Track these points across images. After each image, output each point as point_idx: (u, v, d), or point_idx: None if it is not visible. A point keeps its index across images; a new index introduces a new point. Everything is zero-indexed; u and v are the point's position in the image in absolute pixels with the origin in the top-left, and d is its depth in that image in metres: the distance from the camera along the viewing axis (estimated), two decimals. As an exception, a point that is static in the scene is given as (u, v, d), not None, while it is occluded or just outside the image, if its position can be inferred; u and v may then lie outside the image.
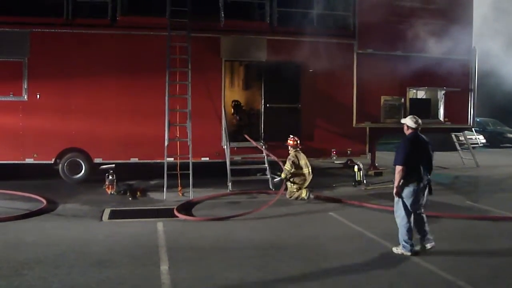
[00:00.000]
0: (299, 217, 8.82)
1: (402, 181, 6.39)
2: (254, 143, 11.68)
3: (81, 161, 11.58)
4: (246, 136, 11.88)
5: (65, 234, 7.37)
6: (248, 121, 13.52)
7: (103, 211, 8.86)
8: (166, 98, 10.92)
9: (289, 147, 10.38)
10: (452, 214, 8.84)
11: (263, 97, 12.37)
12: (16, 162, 11.40)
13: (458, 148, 16.51)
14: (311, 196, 10.00)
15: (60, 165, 11.52)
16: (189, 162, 10.39)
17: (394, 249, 6.60)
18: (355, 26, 12.82)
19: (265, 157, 11.56)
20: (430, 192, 6.65)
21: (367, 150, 13.20)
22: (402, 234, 6.50)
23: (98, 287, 5.32)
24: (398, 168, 6.38)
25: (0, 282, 5.37)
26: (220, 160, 11.85)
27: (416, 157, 6.45)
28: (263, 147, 11.85)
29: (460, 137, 17.05)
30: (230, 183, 11.00)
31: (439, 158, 16.96)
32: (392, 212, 6.79)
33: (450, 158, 16.85)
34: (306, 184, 10.14)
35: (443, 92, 13.91)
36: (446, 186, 12.25)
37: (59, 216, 8.60)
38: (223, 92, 12.16)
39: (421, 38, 12.97)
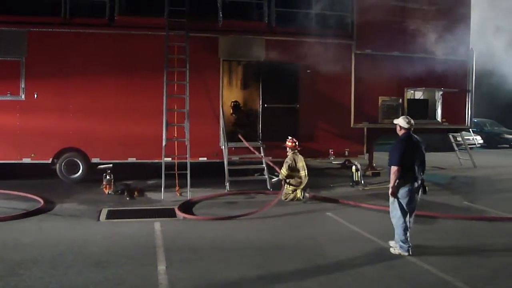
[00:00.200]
0: (297, 217, 8.82)
1: (397, 181, 6.41)
2: (246, 144, 11.62)
3: (78, 161, 11.55)
4: (240, 137, 11.84)
5: (63, 234, 7.35)
6: (247, 121, 13.52)
7: (101, 211, 8.85)
8: (164, 98, 10.90)
9: (287, 148, 10.37)
10: (450, 215, 8.87)
11: (261, 97, 12.38)
12: (13, 161, 11.37)
13: (456, 148, 16.55)
14: (307, 195, 9.99)
15: (58, 165, 11.50)
16: (186, 162, 10.38)
17: (392, 250, 6.61)
18: (353, 26, 12.83)
19: (263, 156, 11.55)
20: (424, 192, 6.67)
21: (364, 151, 13.23)
22: (399, 235, 6.52)
23: (95, 287, 5.30)
24: (394, 168, 6.40)
25: (-3, 282, 5.36)
26: (218, 160, 11.84)
27: (411, 157, 6.49)
28: (261, 147, 11.84)
29: (457, 138, 17.09)
30: (228, 183, 10.99)
31: (437, 158, 17.04)
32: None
33: (448, 158, 16.89)
34: (302, 186, 10.13)
35: (440, 92, 13.94)
36: (443, 186, 12.27)
37: (57, 216, 8.57)
38: (221, 92, 12.16)
39: (419, 39, 13.00)
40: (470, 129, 16.11)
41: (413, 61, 12.84)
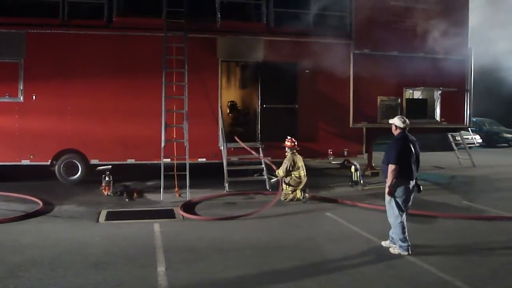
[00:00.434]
0: (297, 217, 8.82)
1: (394, 180, 6.43)
2: (243, 145, 11.60)
3: (77, 162, 11.54)
4: (237, 138, 11.83)
5: (62, 236, 7.34)
6: (246, 122, 13.52)
7: (100, 212, 8.84)
8: (163, 98, 10.90)
9: (286, 148, 10.36)
10: (449, 214, 8.87)
11: (260, 97, 12.37)
12: (12, 163, 11.35)
13: (455, 148, 16.55)
14: (306, 195, 10.00)
15: (57, 167, 11.49)
16: (185, 163, 10.38)
17: (391, 250, 6.62)
18: (352, 26, 12.83)
19: (261, 156, 11.55)
20: (419, 190, 6.71)
21: (364, 151, 13.22)
22: (398, 234, 6.53)
23: (94, 289, 5.31)
24: (392, 167, 6.43)
25: (-4, 284, 5.36)
26: (217, 161, 11.83)
27: (407, 156, 6.53)
28: (260, 147, 11.84)
29: (456, 137, 17.09)
30: (227, 184, 10.99)
31: (436, 158, 17.06)
32: (389, 212, 6.81)
33: (447, 158, 16.91)
34: (301, 186, 10.13)
35: (439, 92, 13.94)
36: (442, 186, 12.29)
37: (56, 217, 8.56)
38: (220, 92, 12.15)
39: (418, 39, 13.00)
40: (469, 129, 16.11)
41: (412, 60, 12.83)
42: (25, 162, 11.31)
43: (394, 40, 12.88)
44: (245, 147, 11.50)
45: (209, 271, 5.88)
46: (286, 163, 10.10)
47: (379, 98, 13.16)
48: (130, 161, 11.73)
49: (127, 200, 10.03)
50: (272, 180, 11.10)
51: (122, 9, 11.57)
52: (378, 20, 12.73)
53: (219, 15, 11.85)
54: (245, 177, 11.56)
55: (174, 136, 11.06)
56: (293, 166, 10.13)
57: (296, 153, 10.35)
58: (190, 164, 10.45)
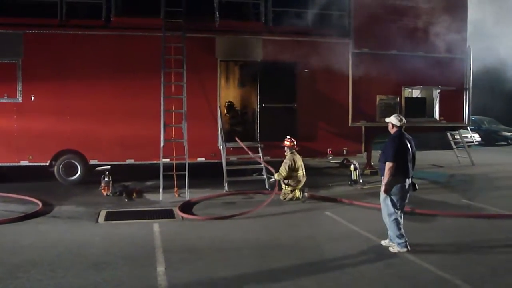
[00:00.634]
0: (296, 216, 8.83)
1: (391, 178, 6.44)
2: (242, 145, 11.59)
3: (76, 163, 11.53)
4: (237, 139, 11.83)
5: (61, 236, 7.34)
6: (245, 121, 13.51)
7: (99, 212, 8.84)
8: (162, 98, 10.89)
9: (286, 148, 10.36)
10: (449, 212, 8.87)
11: (258, 97, 12.37)
12: (11, 164, 11.34)
13: (454, 146, 16.55)
14: (306, 195, 10.00)
15: (56, 167, 11.48)
16: (185, 163, 10.37)
17: (390, 249, 6.63)
18: (350, 25, 12.82)
19: (261, 157, 11.55)
20: (414, 189, 6.74)
21: (363, 149, 13.22)
22: (393, 231, 6.57)
23: (94, 289, 5.31)
24: (389, 164, 6.45)
25: (-4, 285, 5.36)
26: (216, 161, 11.83)
27: (404, 154, 6.56)
28: (260, 147, 11.84)
29: (455, 136, 17.09)
30: (226, 184, 10.98)
31: (435, 156, 17.08)
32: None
33: (446, 156, 16.92)
34: (300, 185, 10.12)
35: (438, 91, 13.94)
36: (441, 184, 12.30)
37: (55, 218, 8.56)
38: (219, 92, 12.14)
39: (416, 37, 13.00)
40: (468, 127, 16.13)
41: (411, 59, 12.82)
42: (24, 162, 11.29)
43: (393, 39, 12.87)
44: (245, 147, 11.49)
45: (209, 270, 5.88)
46: (287, 162, 10.09)
47: (378, 97, 13.16)
48: (129, 161, 11.72)
49: (126, 200, 10.02)
50: (271, 180, 11.09)
51: (120, 9, 11.54)
52: (377, 19, 12.71)
53: (217, 15, 11.83)
54: (244, 176, 11.55)
55: (173, 136, 11.06)
56: (293, 166, 10.11)
57: (296, 153, 10.34)
58: (189, 164, 10.45)
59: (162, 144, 10.56)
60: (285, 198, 10.04)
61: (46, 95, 11.23)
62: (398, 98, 13.35)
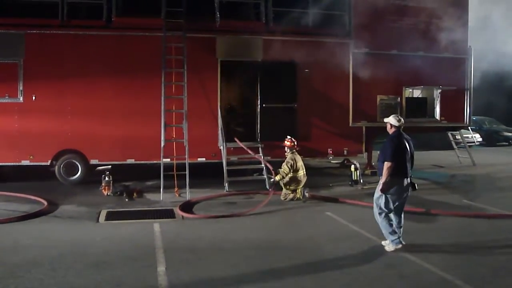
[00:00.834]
0: (296, 216, 8.82)
1: (389, 177, 6.44)
2: (241, 145, 11.58)
3: (77, 163, 11.53)
4: (236, 140, 11.82)
5: (62, 236, 7.34)
6: (245, 121, 13.49)
7: (100, 212, 8.84)
8: (162, 98, 10.90)
9: (286, 148, 10.35)
10: (450, 212, 8.87)
11: (259, 97, 12.37)
12: (12, 164, 11.35)
13: (455, 146, 16.53)
14: (306, 195, 10.00)
15: (56, 167, 11.48)
16: (185, 163, 10.37)
17: (386, 248, 6.64)
18: (351, 25, 12.82)
19: (262, 157, 11.55)
20: (414, 188, 6.74)
21: (363, 150, 13.22)
22: (386, 228, 6.59)
23: (95, 289, 5.31)
24: (387, 164, 6.46)
25: (-4, 285, 5.36)
26: (216, 161, 11.83)
27: (402, 154, 6.56)
28: (260, 147, 11.84)
29: (456, 136, 17.07)
30: (226, 184, 10.98)
31: (436, 157, 17.07)
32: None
33: (447, 156, 16.90)
34: (301, 185, 10.12)
35: (439, 91, 13.93)
36: (442, 185, 12.29)
37: (56, 218, 8.56)
38: (219, 92, 12.14)
39: (417, 37, 12.99)
40: (469, 127, 16.11)
41: (411, 59, 12.82)
42: (25, 162, 11.30)
43: (393, 38, 12.89)
44: (244, 147, 11.49)
45: (209, 270, 5.88)
46: (289, 162, 10.08)
47: (378, 97, 13.16)
48: (130, 161, 11.73)
49: (127, 200, 10.03)
50: (272, 180, 11.08)
51: (121, 9, 11.55)
52: (377, 19, 12.73)
53: (218, 15, 11.83)
54: (244, 176, 11.55)
55: (174, 136, 11.06)
56: (295, 166, 10.10)
57: (296, 153, 10.33)
58: (189, 163, 10.45)
59: (162, 144, 10.56)
60: (285, 198, 10.03)
61: (47, 95, 11.24)
62: (399, 98, 13.36)
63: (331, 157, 13.04)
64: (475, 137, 20.98)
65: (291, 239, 7.28)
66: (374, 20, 12.67)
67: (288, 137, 10.45)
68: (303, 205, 9.70)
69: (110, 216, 8.62)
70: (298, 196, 10.00)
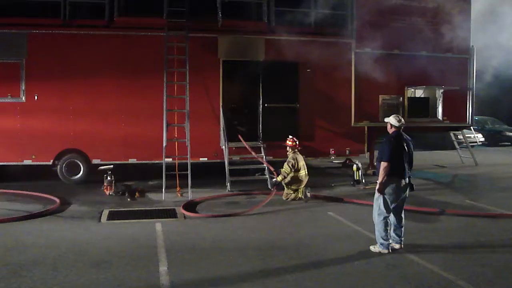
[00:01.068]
0: (298, 216, 8.81)
1: (385, 178, 6.43)
2: (245, 144, 11.57)
3: (79, 162, 11.55)
4: (240, 138, 11.82)
5: (64, 236, 7.34)
6: (247, 121, 13.48)
7: (102, 212, 8.85)
8: (164, 98, 10.91)
9: (288, 147, 10.34)
10: (453, 211, 8.86)
11: (261, 97, 12.37)
12: (14, 163, 11.37)
13: (457, 146, 16.52)
14: (308, 195, 9.99)
15: (59, 166, 11.50)
16: (187, 163, 10.37)
17: (372, 248, 6.63)
18: (353, 25, 12.81)
19: (264, 157, 11.54)
20: (411, 189, 6.72)
21: (365, 149, 13.22)
22: (380, 231, 6.55)
23: (97, 288, 5.31)
24: (384, 164, 6.44)
25: (-1, 284, 5.36)
26: (218, 160, 11.83)
27: (400, 155, 6.53)
28: (262, 147, 11.83)
29: (458, 136, 17.05)
30: (228, 183, 10.98)
31: (438, 157, 17.04)
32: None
33: (449, 156, 16.87)
34: (303, 185, 10.11)
35: (441, 90, 13.91)
36: (445, 185, 12.26)
37: (58, 217, 8.57)
38: (221, 92, 12.14)
39: (419, 37, 12.97)
40: (471, 127, 16.08)
41: (414, 59, 12.81)
42: (27, 162, 11.33)
43: (395, 38, 12.87)
44: (248, 147, 11.48)
45: (211, 270, 5.88)
46: (291, 161, 10.07)
47: (380, 97, 13.15)
48: (132, 160, 11.75)
49: (129, 199, 10.03)
50: (274, 179, 11.08)
51: (123, 9, 11.58)
52: (380, 19, 12.71)
53: (220, 15, 11.84)
54: (247, 176, 11.55)
55: (176, 135, 11.07)
56: (297, 165, 10.09)
57: (298, 153, 10.33)
58: (191, 163, 10.45)
59: (164, 144, 10.57)
60: (287, 198, 10.02)
61: (49, 94, 11.27)
62: (401, 98, 13.35)
63: (333, 157, 13.04)
64: (477, 137, 20.94)
65: (293, 239, 7.27)
66: (376, 20, 12.65)
67: (290, 136, 10.44)
68: (305, 205, 9.69)
69: (112, 216, 8.63)
70: (300, 196, 10.00)
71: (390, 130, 6.77)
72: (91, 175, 11.65)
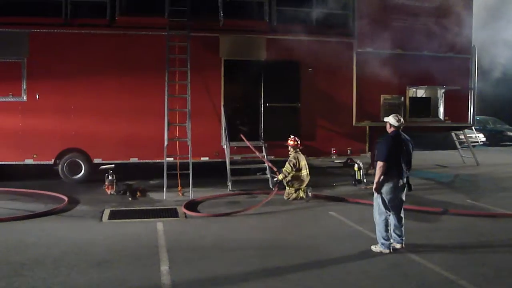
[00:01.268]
0: (300, 216, 8.81)
1: (382, 177, 6.42)
2: (247, 143, 11.57)
3: (80, 162, 11.56)
4: (242, 137, 11.81)
5: (65, 235, 7.34)
6: (248, 121, 13.47)
7: (103, 211, 8.85)
8: (166, 97, 10.91)
9: (289, 147, 10.34)
10: (455, 210, 8.85)
11: (262, 96, 12.37)
12: (15, 162, 11.38)
13: (458, 146, 16.49)
14: (310, 194, 9.99)
15: (60, 166, 11.51)
16: (188, 162, 10.37)
17: (373, 247, 6.62)
18: (355, 24, 12.80)
19: (265, 156, 11.54)
20: (409, 189, 6.71)
21: (367, 149, 13.20)
22: (380, 231, 6.55)
23: (98, 287, 5.30)
24: (380, 164, 6.44)
25: (0, 283, 5.36)
26: (220, 160, 11.83)
27: (397, 155, 6.52)
28: (263, 146, 11.83)
29: (460, 136, 17.03)
30: (230, 183, 10.98)
31: (439, 156, 17.02)
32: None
33: (450, 156, 16.86)
34: (304, 185, 10.10)
35: (443, 90, 13.90)
36: (446, 185, 12.25)
37: (59, 216, 8.58)
38: (223, 91, 12.14)
39: (421, 37, 12.96)
40: (473, 127, 16.07)
41: (415, 59, 12.81)
42: (29, 161, 11.34)
43: (397, 38, 12.85)
44: (250, 146, 11.48)
45: (212, 269, 5.88)
46: (292, 161, 10.07)
47: (382, 97, 13.14)
48: (133, 160, 11.75)
49: (130, 199, 10.03)
50: (275, 179, 11.07)
51: (125, 8, 11.58)
52: (381, 18, 12.70)
53: (221, 14, 11.84)
54: (248, 175, 11.54)
55: (177, 135, 11.07)
56: (298, 165, 10.09)
57: (299, 152, 10.32)
58: (193, 163, 10.45)
59: (166, 143, 10.57)
60: (289, 198, 10.02)
61: (50, 94, 11.27)
62: (403, 98, 13.33)
63: (334, 157, 13.03)
64: (478, 137, 20.93)
65: (295, 239, 7.27)
66: (378, 20, 12.63)
67: (292, 136, 10.44)
68: (306, 204, 9.69)
69: (114, 215, 8.63)
70: (301, 195, 9.99)
71: (389, 130, 6.76)
72: (92, 175, 11.66)
